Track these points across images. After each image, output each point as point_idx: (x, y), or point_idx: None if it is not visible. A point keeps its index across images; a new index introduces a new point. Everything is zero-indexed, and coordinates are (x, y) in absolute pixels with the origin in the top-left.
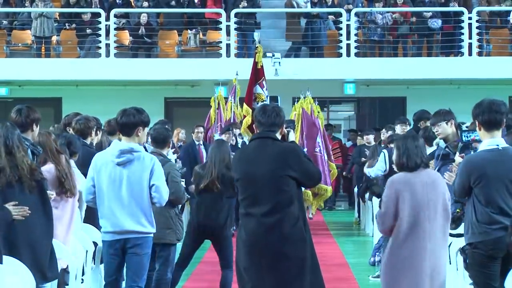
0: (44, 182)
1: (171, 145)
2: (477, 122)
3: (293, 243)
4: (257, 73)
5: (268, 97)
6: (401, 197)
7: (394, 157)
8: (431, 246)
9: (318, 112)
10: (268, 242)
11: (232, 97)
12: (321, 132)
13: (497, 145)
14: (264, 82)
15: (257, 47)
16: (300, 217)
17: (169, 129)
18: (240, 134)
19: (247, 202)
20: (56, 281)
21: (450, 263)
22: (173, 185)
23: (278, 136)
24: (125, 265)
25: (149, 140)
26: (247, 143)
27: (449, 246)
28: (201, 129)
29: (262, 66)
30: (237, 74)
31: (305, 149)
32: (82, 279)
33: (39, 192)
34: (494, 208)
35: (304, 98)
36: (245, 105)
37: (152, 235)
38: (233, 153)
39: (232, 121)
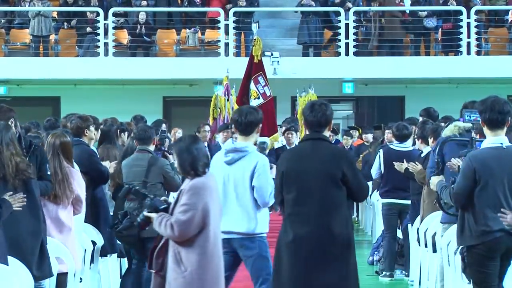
0: (32, 182)
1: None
2: (481, 119)
3: (340, 245)
4: (252, 69)
5: (263, 94)
6: (206, 205)
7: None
8: None
9: None
10: (316, 243)
11: (227, 95)
12: None
13: (501, 143)
14: (260, 78)
15: (255, 39)
16: (349, 218)
17: (151, 127)
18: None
19: (296, 201)
20: (54, 280)
21: (449, 264)
22: (169, 179)
23: (327, 133)
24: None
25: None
26: None
27: (448, 245)
28: (207, 127)
29: (260, 61)
30: (228, 72)
31: None
32: (81, 278)
33: (25, 191)
34: (495, 206)
35: (305, 93)
36: (235, 105)
37: (259, 235)
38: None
39: (226, 120)
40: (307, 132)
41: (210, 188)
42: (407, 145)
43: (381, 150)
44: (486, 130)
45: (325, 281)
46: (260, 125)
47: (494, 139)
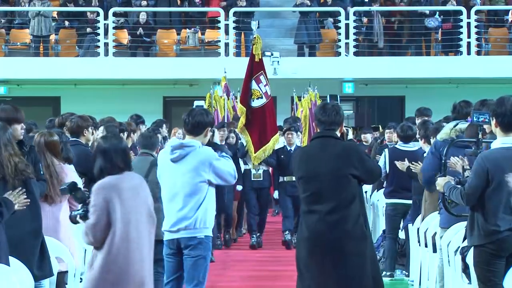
0: (31, 182)
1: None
2: (494, 120)
3: (354, 240)
4: (253, 68)
5: (266, 94)
6: (110, 204)
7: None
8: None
9: None
10: (330, 240)
11: (225, 94)
12: None
13: None
14: (261, 77)
15: (255, 37)
16: (361, 214)
17: (155, 135)
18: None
19: (310, 200)
20: (54, 280)
21: (450, 264)
22: None
23: (338, 134)
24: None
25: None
26: (244, 143)
27: (448, 245)
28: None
29: (261, 59)
30: (225, 72)
31: None
32: (81, 278)
33: (25, 191)
34: (505, 207)
35: (307, 93)
36: (239, 104)
37: (205, 235)
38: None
39: (226, 119)
40: (318, 130)
41: (117, 187)
42: (412, 145)
43: (386, 150)
44: (498, 131)
45: (342, 275)
46: (209, 128)
47: (505, 139)
